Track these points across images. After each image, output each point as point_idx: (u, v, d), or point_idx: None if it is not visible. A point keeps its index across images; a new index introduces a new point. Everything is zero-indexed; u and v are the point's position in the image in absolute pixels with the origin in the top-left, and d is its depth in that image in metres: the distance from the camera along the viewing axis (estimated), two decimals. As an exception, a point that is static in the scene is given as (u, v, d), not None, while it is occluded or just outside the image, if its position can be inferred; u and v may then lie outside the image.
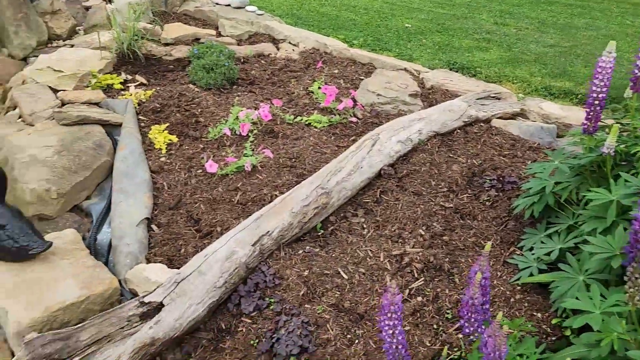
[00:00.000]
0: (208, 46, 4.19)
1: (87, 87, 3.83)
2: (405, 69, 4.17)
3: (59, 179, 2.91)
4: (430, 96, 3.77)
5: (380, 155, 2.87)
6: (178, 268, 2.58)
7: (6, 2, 4.29)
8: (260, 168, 3.10)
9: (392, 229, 2.69)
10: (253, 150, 3.22)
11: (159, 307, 2.30)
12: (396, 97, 3.59)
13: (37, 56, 4.51)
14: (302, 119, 3.49)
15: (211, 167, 3.00)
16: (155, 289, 2.33)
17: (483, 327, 1.73)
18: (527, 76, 4.90)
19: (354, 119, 3.44)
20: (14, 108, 3.84)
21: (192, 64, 3.96)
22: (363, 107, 3.49)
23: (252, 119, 3.34)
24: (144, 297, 2.29)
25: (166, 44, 4.56)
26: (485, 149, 3.11)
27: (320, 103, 3.67)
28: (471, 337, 1.74)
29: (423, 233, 2.64)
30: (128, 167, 3.09)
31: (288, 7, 6.91)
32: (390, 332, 1.58)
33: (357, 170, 2.77)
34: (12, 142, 3.12)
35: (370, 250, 2.59)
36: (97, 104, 3.63)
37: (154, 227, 2.85)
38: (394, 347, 1.60)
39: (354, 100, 3.54)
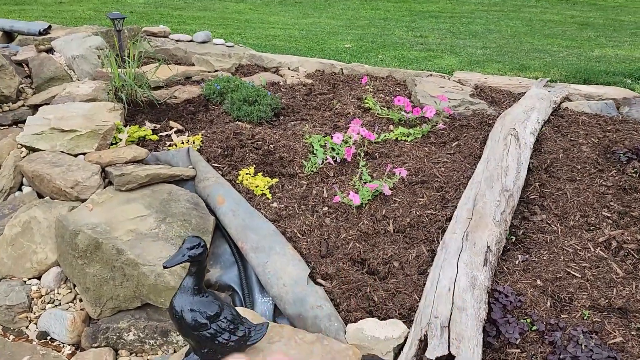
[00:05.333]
0: (225, 80, 3.69)
1: (113, 144, 3.09)
2: (431, 75, 4.11)
3: (185, 250, 2.25)
4: (482, 94, 3.75)
5: (526, 148, 2.74)
6: (382, 319, 2.16)
7: (-52, 61, 3.31)
8: (390, 190, 2.75)
9: (576, 219, 2.56)
10: (371, 174, 2.86)
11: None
12: (462, 98, 3.50)
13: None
14: (386, 136, 3.21)
15: (354, 198, 2.58)
16: (417, 342, 1.89)
17: None
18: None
19: (441, 126, 3.26)
20: (19, 188, 2.94)
21: (229, 99, 3.43)
22: (449, 109, 3.32)
23: (355, 141, 2.97)
24: (420, 354, 1.84)
25: (157, 87, 3.90)
26: (588, 129, 3.16)
27: (388, 118, 3.43)
28: None
29: (609, 215, 2.56)
30: (245, 221, 2.52)
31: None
32: None
33: (521, 167, 2.60)
34: (88, 222, 2.35)
35: (575, 244, 2.43)
36: (141, 161, 2.94)
37: (320, 281, 2.35)
38: None
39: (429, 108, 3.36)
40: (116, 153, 2.90)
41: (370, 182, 2.76)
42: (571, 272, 2.29)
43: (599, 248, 2.41)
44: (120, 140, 3.08)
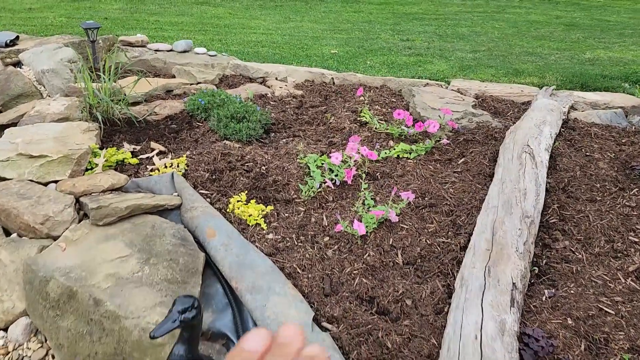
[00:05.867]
0: (210, 94, 3.41)
1: (88, 170, 2.80)
2: (427, 84, 3.89)
3: (173, 298, 1.98)
4: (484, 104, 3.54)
5: (543, 167, 2.52)
6: (399, 368, 1.93)
7: None
8: (396, 217, 2.51)
9: (601, 244, 2.35)
10: (374, 197, 2.62)
11: None
12: (465, 110, 3.28)
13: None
14: (387, 153, 2.97)
15: (359, 227, 2.33)
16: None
17: None
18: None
19: (445, 141, 3.03)
20: (-18, 222, 2.62)
21: (215, 116, 3.16)
22: (453, 123, 3.09)
23: (356, 161, 2.73)
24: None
25: (135, 103, 3.61)
26: (602, 142, 2.97)
27: (387, 132, 3.19)
28: None
29: (636, 240, 2.35)
30: (239, 257, 2.26)
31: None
32: None
33: (540, 188, 2.38)
34: (60, 265, 2.06)
35: (604, 275, 2.22)
36: (120, 189, 2.66)
37: (325, 324, 2.10)
38: None
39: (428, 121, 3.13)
40: (92, 181, 2.61)
41: (374, 207, 2.52)
42: (603, 308, 2.07)
43: (630, 278, 2.20)
44: (97, 165, 2.79)
